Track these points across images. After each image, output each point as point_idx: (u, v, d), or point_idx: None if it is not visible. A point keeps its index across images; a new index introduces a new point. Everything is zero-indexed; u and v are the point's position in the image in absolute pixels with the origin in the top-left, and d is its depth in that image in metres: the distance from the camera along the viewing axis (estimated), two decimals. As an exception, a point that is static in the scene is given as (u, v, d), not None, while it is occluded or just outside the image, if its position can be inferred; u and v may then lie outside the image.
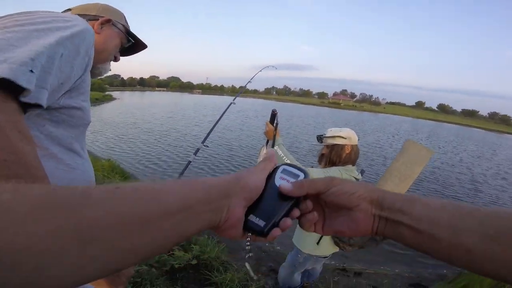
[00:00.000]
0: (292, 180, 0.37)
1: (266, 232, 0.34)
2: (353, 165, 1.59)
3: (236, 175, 0.34)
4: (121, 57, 0.84)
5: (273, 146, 1.47)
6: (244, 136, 11.37)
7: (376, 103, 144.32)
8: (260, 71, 1.91)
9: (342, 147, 1.57)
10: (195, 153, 1.25)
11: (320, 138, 1.67)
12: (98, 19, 0.70)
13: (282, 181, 0.37)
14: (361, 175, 1.65)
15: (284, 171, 0.40)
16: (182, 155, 7.40)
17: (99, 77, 0.79)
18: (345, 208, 0.35)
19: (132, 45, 0.83)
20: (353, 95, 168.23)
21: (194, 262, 2.18)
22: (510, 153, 18.92)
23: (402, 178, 1.56)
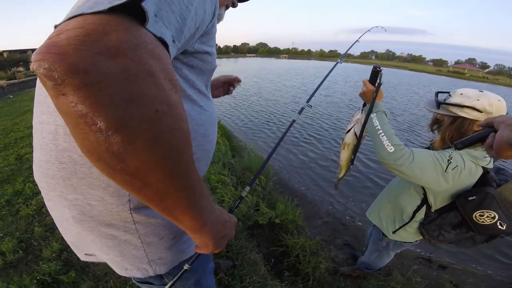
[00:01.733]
0: None
1: None
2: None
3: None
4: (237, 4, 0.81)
5: (370, 112, 1.15)
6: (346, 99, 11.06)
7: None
8: (369, 30, 1.59)
9: (470, 122, 1.03)
10: (299, 112, 1.25)
11: (439, 103, 1.11)
12: None
13: None
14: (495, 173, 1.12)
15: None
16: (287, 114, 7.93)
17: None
18: None
19: None
20: (484, 65, 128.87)
21: (277, 220, 2.31)
22: None
23: None
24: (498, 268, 2.64)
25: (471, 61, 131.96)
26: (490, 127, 0.56)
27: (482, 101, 1.01)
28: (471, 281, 2.36)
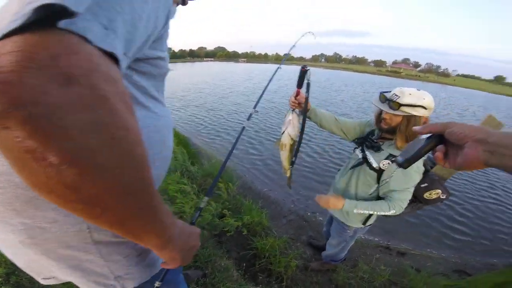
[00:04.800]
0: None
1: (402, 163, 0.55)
2: None
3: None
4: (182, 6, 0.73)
5: (305, 112, 1.29)
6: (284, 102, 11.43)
7: (445, 74, 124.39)
8: (303, 35, 1.71)
9: (419, 119, 1.18)
10: (248, 119, 1.26)
11: (391, 101, 1.20)
12: None
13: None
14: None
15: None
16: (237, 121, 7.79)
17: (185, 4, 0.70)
18: (458, 145, 0.48)
19: None
20: (416, 65, 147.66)
21: (244, 231, 2.28)
22: None
23: None
24: (450, 251, 3.01)
25: (405, 61, 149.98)
26: (432, 133, 0.53)
27: (427, 99, 1.18)
28: (430, 265, 2.63)
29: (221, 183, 2.71)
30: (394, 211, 1.25)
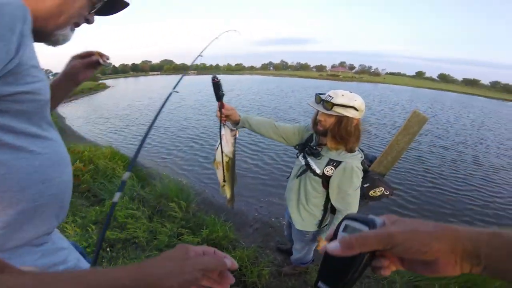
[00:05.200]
0: None
1: None
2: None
3: (142, 271, 0.34)
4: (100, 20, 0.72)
5: (220, 126, 1.15)
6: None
7: (376, 73, 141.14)
8: (216, 38, 1.57)
9: (351, 120, 1.23)
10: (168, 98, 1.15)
11: (325, 101, 1.23)
12: None
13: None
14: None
15: (347, 227, 0.37)
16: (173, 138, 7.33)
17: (58, 45, 0.66)
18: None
19: (108, 3, 0.68)
20: (351, 67, 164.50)
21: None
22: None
23: (399, 149, 1.43)
24: None
25: (342, 64, 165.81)
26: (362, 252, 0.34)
27: (358, 101, 1.22)
28: None
29: (173, 203, 2.52)
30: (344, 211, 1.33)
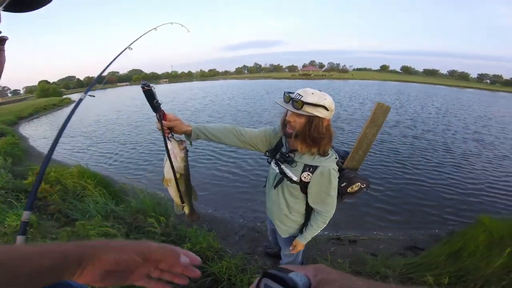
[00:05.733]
0: None
1: None
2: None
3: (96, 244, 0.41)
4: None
5: (165, 139, 1.01)
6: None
7: (344, 70, 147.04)
8: (155, 29, 1.48)
9: (321, 121, 1.18)
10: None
11: (294, 100, 1.16)
12: None
13: None
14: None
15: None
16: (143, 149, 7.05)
17: None
18: None
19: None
20: (321, 65, 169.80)
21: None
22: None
23: (368, 142, 1.41)
24: (394, 231, 3.18)
25: (312, 63, 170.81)
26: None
27: (328, 100, 1.17)
28: (382, 247, 2.75)
29: (151, 219, 2.35)
30: (330, 216, 1.33)
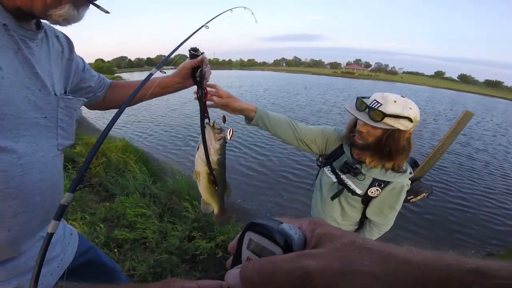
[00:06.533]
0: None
1: None
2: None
3: None
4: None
5: (202, 119, 0.80)
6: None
7: (393, 72, 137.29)
8: (194, 32, 0.92)
9: (402, 134, 0.98)
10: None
11: (372, 110, 0.96)
12: None
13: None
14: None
15: (251, 243, 0.26)
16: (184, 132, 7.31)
17: (64, 25, 0.60)
18: None
19: None
20: (367, 65, 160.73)
21: (219, 253, 2.04)
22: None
23: (442, 152, 1.33)
24: (440, 248, 2.90)
25: (357, 62, 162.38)
26: None
27: (414, 110, 0.96)
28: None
29: (186, 203, 2.43)
30: (387, 229, 1.22)
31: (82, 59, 0.86)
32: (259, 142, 6.19)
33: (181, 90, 0.97)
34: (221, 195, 0.92)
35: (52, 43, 0.70)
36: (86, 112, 9.90)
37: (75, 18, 0.59)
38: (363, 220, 1.26)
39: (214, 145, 0.80)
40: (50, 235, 0.39)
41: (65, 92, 0.75)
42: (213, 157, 0.80)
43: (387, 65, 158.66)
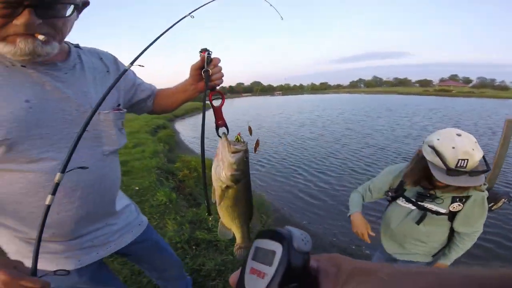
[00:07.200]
0: (265, 269, 0.24)
1: None
2: None
3: None
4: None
5: (203, 123, 0.75)
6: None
7: (503, 87, 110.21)
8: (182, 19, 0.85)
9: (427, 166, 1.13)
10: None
11: (475, 173, 1.04)
12: None
13: (251, 277, 0.25)
14: None
15: (255, 256, 0.26)
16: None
17: (26, 58, 0.59)
18: None
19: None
20: (467, 80, 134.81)
21: None
22: None
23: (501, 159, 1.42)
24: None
25: (453, 77, 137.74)
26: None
27: (443, 141, 1.01)
28: None
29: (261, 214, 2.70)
30: (478, 235, 1.29)
31: (134, 73, 0.97)
32: (326, 170, 6.06)
33: (199, 93, 0.92)
34: (245, 219, 0.73)
35: (91, 66, 0.79)
36: (182, 135, 11.79)
37: (30, 51, 0.57)
38: (450, 236, 1.34)
39: (228, 159, 0.65)
40: (48, 207, 0.55)
41: (119, 105, 0.86)
42: (226, 172, 0.65)
43: (494, 80, 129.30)
